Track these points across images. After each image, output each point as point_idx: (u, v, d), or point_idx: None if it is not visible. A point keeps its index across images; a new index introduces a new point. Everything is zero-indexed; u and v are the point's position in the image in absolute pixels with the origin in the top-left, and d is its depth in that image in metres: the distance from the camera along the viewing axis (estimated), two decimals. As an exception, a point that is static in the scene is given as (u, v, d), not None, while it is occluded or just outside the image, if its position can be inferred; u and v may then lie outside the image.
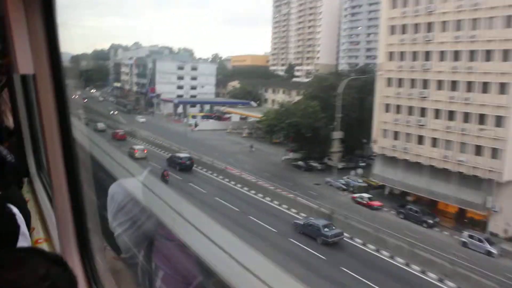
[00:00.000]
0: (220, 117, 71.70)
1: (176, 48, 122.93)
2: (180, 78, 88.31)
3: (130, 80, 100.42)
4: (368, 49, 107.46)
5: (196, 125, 66.31)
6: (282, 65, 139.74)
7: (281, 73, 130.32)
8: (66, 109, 1.86)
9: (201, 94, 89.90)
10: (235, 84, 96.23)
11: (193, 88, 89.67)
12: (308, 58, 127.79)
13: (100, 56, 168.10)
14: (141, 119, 70.74)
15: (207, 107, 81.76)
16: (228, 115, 72.25)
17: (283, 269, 1.05)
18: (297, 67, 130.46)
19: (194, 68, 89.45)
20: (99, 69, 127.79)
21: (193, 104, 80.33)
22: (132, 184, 1.70)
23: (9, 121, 4.30)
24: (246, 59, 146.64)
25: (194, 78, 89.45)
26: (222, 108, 78.51)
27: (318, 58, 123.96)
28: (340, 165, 43.67)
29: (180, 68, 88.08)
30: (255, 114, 63.32)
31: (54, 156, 1.93)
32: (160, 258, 1.58)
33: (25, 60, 1.91)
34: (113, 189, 1.77)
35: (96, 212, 2.00)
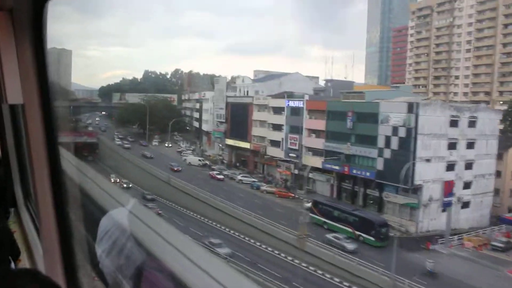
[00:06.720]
0: None
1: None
2: (452, 146, 38.87)
3: (286, 142, 49.99)
4: None
5: None
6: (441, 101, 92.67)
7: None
8: (54, 139, 1.82)
9: (478, 177, 40.61)
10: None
11: (468, 165, 40.13)
12: (501, 92, 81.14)
13: (134, 86, 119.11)
14: None
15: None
16: None
17: None
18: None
19: (472, 122, 40.19)
20: (147, 107, 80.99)
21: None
22: (122, 214, 1.62)
23: None
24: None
25: (470, 144, 40.09)
26: None
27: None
28: None
29: (454, 122, 38.78)
30: None
31: (42, 186, 1.88)
32: None
33: (14, 90, 1.82)
34: (103, 220, 1.67)
35: (85, 243, 1.91)
